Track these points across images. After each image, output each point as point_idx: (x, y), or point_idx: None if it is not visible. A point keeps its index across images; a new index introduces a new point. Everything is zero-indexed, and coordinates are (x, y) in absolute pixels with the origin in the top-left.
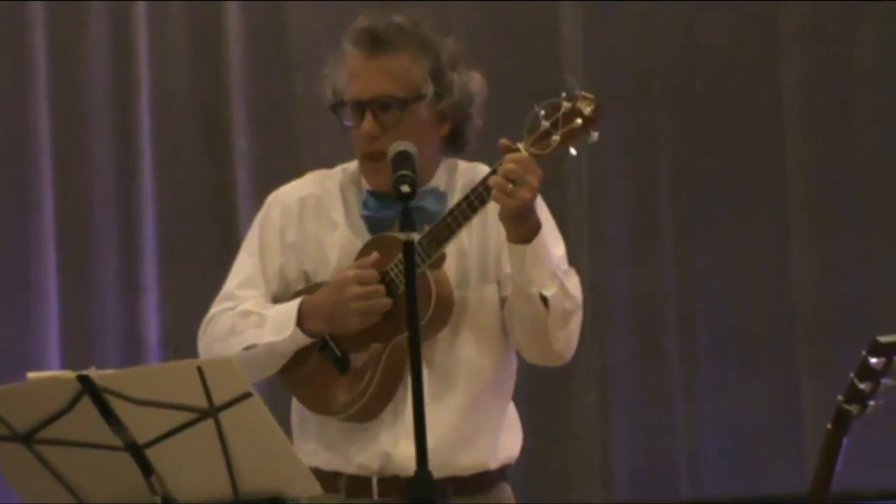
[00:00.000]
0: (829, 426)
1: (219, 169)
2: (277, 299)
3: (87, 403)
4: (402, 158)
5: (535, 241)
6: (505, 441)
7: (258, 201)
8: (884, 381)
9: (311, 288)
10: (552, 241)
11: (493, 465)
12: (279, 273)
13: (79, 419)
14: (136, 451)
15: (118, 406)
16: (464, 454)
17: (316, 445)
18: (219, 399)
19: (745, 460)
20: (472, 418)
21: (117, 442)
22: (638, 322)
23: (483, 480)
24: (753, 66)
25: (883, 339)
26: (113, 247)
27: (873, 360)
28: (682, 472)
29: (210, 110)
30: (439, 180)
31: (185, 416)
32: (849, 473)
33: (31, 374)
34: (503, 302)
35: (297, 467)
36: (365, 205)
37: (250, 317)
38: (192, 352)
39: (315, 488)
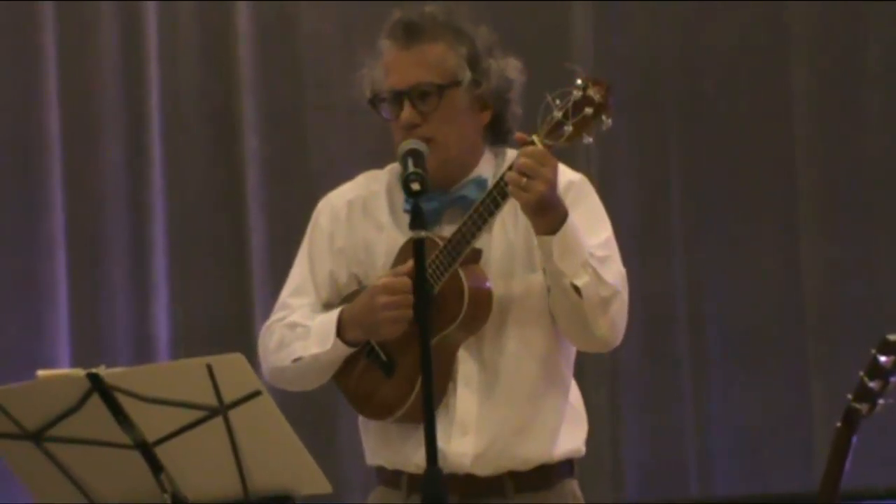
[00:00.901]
0: (838, 425)
1: (228, 169)
2: (329, 304)
3: (96, 401)
4: (412, 156)
5: (562, 232)
6: (566, 432)
7: (268, 201)
8: (893, 379)
9: (358, 292)
10: (587, 229)
11: (555, 457)
12: (329, 279)
13: (88, 417)
14: (146, 449)
15: (127, 404)
16: (521, 447)
17: (376, 445)
18: (228, 397)
19: (754, 459)
20: (526, 409)
21: (127, 440)
22: (648, 322)
23: (545, 475)
24: (763, 67)
25: (893, 337)
26: (123, 246)
27: (883, 359)
28: (692, 471)
29: (220, 111)
30: (483, 169)
31: (195, 414)
32: (858, 472)
33: (40, 373)
34: (548, 290)
35: (306, 465)
36: (408, 199)
37: (296, 329)
38: (201, 350)
39: (325, 486)
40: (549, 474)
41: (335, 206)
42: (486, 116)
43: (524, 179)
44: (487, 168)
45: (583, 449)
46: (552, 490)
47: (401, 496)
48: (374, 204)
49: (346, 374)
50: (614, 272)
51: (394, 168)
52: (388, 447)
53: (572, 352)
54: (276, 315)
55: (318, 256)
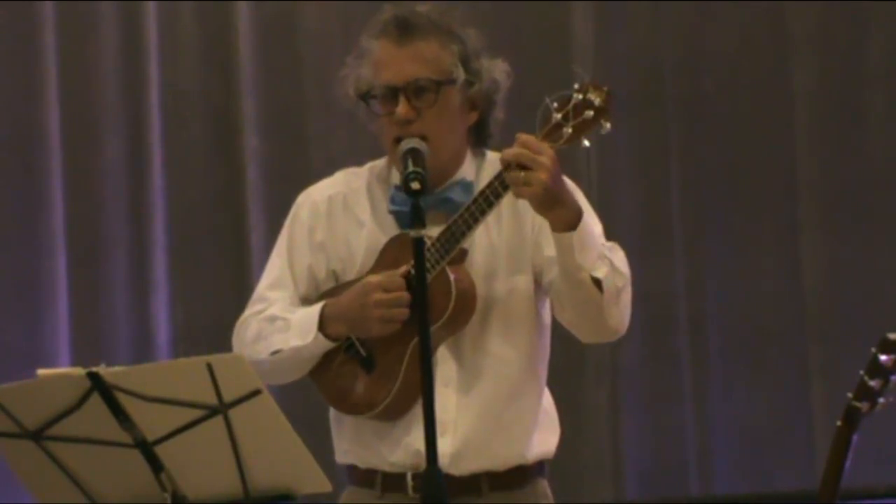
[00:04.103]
0: (838, 423)
1: (229, 168)
2: (307, 299)
3: (96, 400)
4: (413, 156)
5: (580, 227)
6: (541, 435)
7: (268, 200)
8: (894, 377)
9: (338, 288)
10: (593, 222)
11: (529, 458)
12: (308, 273)
13: (88, 416)
14: (146, 448)
15: (128, 403)
16: (497, 447)
17: (351, 444)
18: (228, 396)
19: (755, 459)
20: (503, 411)
21: (127, 439)
22: (648, 322)
23: (519, 475)
24: (764, 67)
25: (893, 336)
26: (123, 245)
27: (883, 358)
28: (693, 470)
29: (220, 110)
30: (467, 171)
31: (195, 413)
32: (858, 471)
33: (40, 371)
34: (550, 284)
35: (306, 464)
36: (392, 200)
37: (276, 321)
38: (202, 349)
39: (325, 485)
40: (523, 474)
41: (315, 201)
42: (473, 118)
43: (522, 174)
44: (470, 170)
45: (554, 451)
46: (525, 489)
47: (374, 495)
48: (354, 201)
49: (323, 369)
50: (623, 261)
51: (374, 167)
52: (362, 446)
53: (547, 355)
54: (252, 308)
55: (298, 250)
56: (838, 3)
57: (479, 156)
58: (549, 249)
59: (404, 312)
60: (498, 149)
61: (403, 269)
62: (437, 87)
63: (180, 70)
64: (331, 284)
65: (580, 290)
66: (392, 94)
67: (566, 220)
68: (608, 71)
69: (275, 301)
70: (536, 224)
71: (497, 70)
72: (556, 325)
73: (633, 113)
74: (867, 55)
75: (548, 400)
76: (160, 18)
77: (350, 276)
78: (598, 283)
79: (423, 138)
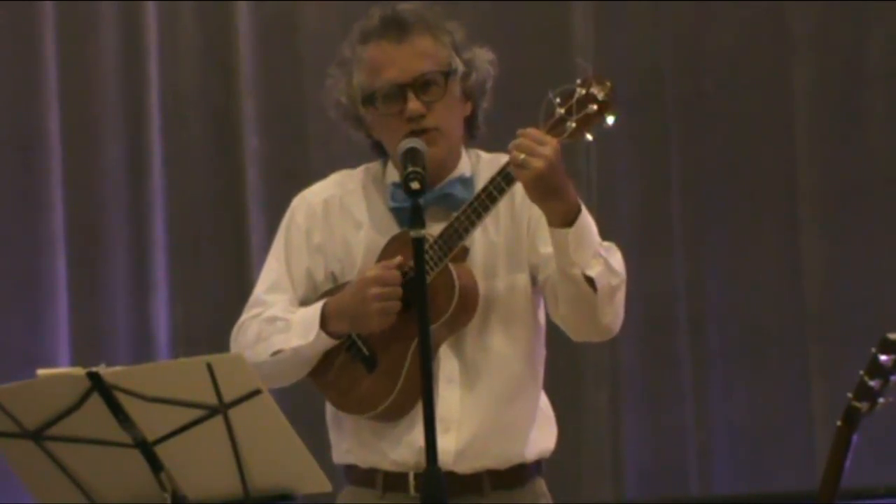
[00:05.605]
0: (838, 423)
1: (229, 168)
2: (306, 301)
3: (96, 400)
4: (412, 156)
5: (578, 224)
6: (539, 433)
7: (268, 201)
8: (894, 378)
9: (337, 289)
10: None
11: (530, 457)
12: (306, 275)
13: (88, 416)
14: (146, 448)
15: (128, 403)
16: (499, 445)
17: (351, 443)
18: (228, 396)
19: (754, 459)
20: (505, 409)
21: (127, 439)
22: (648, 323)
23: (519, 474)
24: (764, 67)
25: (893, 336)
26: (123, 245)
27: (883, 358)
28: (693, 470)
29: (220, 110)
30: (464, 167)
31: (195, 413)
32: (858, 471)
33: (40, 371)
34: (545, 281)
35: (306, 464)
36: (393, 197)
37: (276, 322)
38: (202, 349)
39: (325, 485)
40: (523, 473)
41: (311, 204)
42: (468, 109)
43: (522, 156)
44: (467, 167)
45: (552, 450)
46: (524, 488)
47: (375, 495)
48: (350, 202)
49: (323, 368)
50: (620, 262)
51: (369, 168)
52: (363, 446)
53: (543, 354)
54: (250, 312)
55: (295, 253)
56: (838, 3)
57: (474, 154)
58: (545, 247)
59: (397, 304)
60: (486, 146)
61: (398, 259)
62: (444, 79)
63: (180, 70)
64: (329, 286)
65: (573, 287)
66: (399, 91)
67: (562, 215)
68: (608, 71)
69: (273, 304)
70: (533, 221)
71: (486, 58)
72: (555, 325)
73: (633, 113)
74: (867, 55)
75: (544, 400)
76: (160, 18)
77: (349, 277)
78: (591, 281)
79: (437, 130)
